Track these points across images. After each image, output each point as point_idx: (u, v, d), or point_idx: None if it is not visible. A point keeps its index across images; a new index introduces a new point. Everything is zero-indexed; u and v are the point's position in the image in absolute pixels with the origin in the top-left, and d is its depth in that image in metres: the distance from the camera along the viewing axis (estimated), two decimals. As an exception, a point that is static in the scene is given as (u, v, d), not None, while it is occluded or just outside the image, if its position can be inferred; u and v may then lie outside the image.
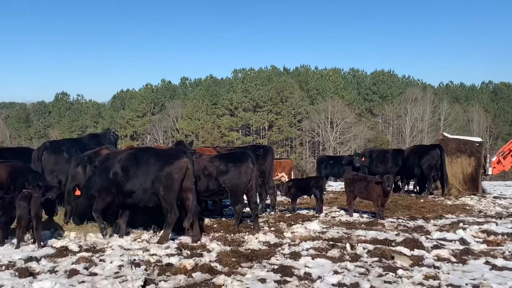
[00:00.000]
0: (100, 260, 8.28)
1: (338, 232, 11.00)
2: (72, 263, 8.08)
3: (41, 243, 9.32)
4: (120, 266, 7.87)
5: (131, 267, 7.84)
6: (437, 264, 8.43)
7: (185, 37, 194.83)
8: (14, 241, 9.42)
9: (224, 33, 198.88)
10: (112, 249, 9.12)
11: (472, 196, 19.09)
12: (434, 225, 12.14)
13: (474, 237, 10.61)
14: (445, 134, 23.53)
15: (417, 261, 8.55)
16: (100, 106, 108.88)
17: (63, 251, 9.00)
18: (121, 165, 10.00)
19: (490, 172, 21.63)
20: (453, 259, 8.76)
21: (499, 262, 8.55)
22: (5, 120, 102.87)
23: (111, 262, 8.08)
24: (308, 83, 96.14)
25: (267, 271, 7.77)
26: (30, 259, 8.40)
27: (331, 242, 9.86)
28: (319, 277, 7.48)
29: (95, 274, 7.51)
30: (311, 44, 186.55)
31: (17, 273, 7.53)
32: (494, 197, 19.44)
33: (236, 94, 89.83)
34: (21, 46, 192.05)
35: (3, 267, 7.96)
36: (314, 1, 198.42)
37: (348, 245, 9.46)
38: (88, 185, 10.49)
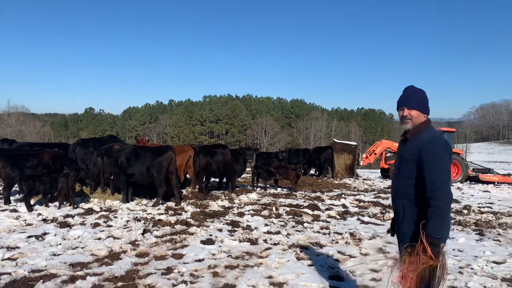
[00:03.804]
0: (114, 217, 8.04)
1: (268, 200, 11.02)
2: (95, 219, 7.82)
3: (75, 206, 9.01)
4: (127, 221, 7.68)
5: (135, 221, 7.65)
6: (328, 219, 8.58)
7: (172, 70, 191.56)
8: (57, 204, 9.08)
9: (198, 70, 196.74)
10: (122, 210, 8.86)
11: (350, 178, 19.56)
12: (326, 195, 12.33)
13: (351, 203, 10.85)
14: (335, 140, 24.01)
15: (316, 218, 8.67)
16: (114, 117, 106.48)
17: (89, 211, 8.69)
18: (125, 156, 9.74)
19: (361, 164, 22.20)
20: (338, 217, 8.95)
21: (366, 219, 8.79)
22: (51, 125, 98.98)
23: (121, 218, 7.87)
24: (251, 106, 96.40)
25: (223, 224, 7.73)
26: (67, 216, 8.09)
27: (264, 206, 9.86)
28: (256, 228, 7.50)
29: (111, 226, 7.32)
30: (252, 80, 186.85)
31: (58, 225, 7.26)
32: (364, 179, 19.95)
33: (205, 112, 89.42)
34: (61, 72, 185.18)
35: (49, 221, 7.65)
36: (256, 51, 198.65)
37: (274, 208, 9.50)
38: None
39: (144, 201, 9.99)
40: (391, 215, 9.09)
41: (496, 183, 19.43)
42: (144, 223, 7.56)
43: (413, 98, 3.16)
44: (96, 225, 7.35)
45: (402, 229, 3.14)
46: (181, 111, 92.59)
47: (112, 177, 10.35)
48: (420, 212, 2.96)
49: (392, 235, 3.49)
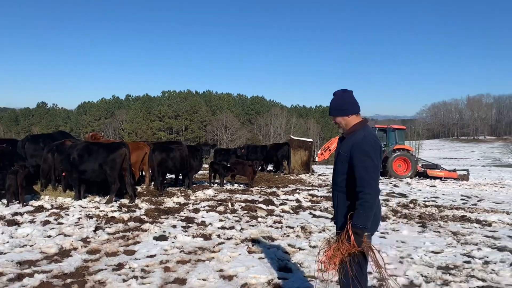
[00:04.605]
0: (66, 214, 7.89)
1: (224, 196, 11.13)
2: (46, 216, 7.64)
3: (24, 203, 8.75)
4: (79, 218, 7.56)
5: (87, 219, 7.54)
6: (282, 214, 8.83)
7: (129, 64, 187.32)
8: (5, 201, 8.78)
9: (156, 65, 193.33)
10: (74, 207, 8.69)
11: (306, 174, 20.05)
12: (282, 191, 12.63)
13: (304, 198, 11.19)
14: (292, 136, 24.47)
15: (270, 212, 8.90)
16: (68, 112, 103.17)
17: (40, 209, 8.46)
18: (78, 153, 9.52)
19: (317, 160, 22.76)
20: (291, 211, 9.22)
21: (317, 213, 9.11)
22: (0, 120, 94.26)
23: (73, 216, 7.74)
24: (211, 102, 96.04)
25: (178, 220, 7.80)
26: (16, 214, 7.85)
27: (219, 202, 9.97)
28: (210, 223, 7.61)
29: (62, 223, 7.18)
30: (213, 76, 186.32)
31: (6, 223, 7.06)
32: (319, 175, 20.51)
33: (163, 107, 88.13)
34: (12, 64, 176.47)
35: (-4, 220, 7.43)
36: (216, 51, 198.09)
37: (229, 204, 9.63)
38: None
39: (97, 198, 9.84)
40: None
41: (442, 178, 20.54)
42: (97, 220, 7.48)
43: (334, 107, 3.40)
44: (46, 222, 7.21)
45: (337, 218, 3.42)
46: (139, 106, 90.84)
47: (64, 174, 10.13)
48: (350, 204, 3.24)
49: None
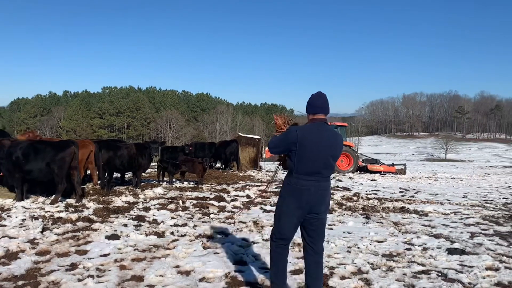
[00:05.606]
0: (8, 216, 7.47)
1: (174, 194, 11.08)
2: (-15, 219, 7.24)
3: (-41, 207, 8.19)
4: (24, 220, 7.19)
5: (32, 220, 7.21)
6: (233, 210, 8.97)
7: (67, 59, 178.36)
8: None
9: (96, 60, 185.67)
10: (16, 209, 8.23)
11: (254, 170, 20.35)
12: (232, 187, 12.77)
13: (254, 194, 11.43)
14: (240, 133, 24.71)
15: (222, 209, 9.01)
16: (0, 109, 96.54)
17: (-23, 212, 7.98)
18: (22, 151, 9.07)
19: (264, 156, 23.17)
20: (242, 207, 9.41)
21: (268, 207, 9.35)
22: None
23: (16, 217, 7.34)
24: (154, 98, 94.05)
25: (128, 219, 7.67)
26: (-50, 218, 7.36)
27: (170, 200, 9.93)
28: (162, 221, 7.59)
29: (4, 225, 6.81)
30: (157, 71, 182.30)
31: None
32: (266, 171, 20.86)
33: (104, 104, 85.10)
34: None
35: None
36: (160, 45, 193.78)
37: (181, 201, 9.62)
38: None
39: (41, 199, 9.41)
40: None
41: (382, 173, 21.71)
42: (43, 221, 7.18)
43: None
44: (-14, 226, 6.82)
45: None
46: (77, 103, 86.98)
47: (1, 174, 9.58)
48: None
49: None
